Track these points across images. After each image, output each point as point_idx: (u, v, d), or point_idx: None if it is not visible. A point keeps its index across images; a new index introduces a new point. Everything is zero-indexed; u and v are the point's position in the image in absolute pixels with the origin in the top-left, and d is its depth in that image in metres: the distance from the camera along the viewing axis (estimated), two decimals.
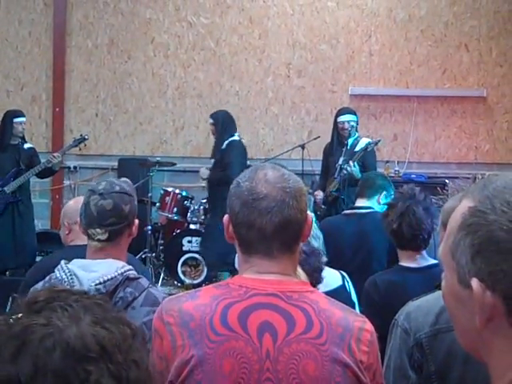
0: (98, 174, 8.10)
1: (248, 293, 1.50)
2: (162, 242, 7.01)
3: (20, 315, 0.93)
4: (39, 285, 2.22)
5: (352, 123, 6.14)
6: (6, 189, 6.30)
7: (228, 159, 6.26)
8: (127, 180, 2.42)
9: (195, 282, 6.64)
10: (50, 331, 0.89)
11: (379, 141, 6.23)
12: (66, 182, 8.08)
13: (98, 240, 2.23)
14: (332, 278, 2.97)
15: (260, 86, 8.04)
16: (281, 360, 1.44)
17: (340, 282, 3.07)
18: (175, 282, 6.79)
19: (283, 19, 8.00)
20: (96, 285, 2.08)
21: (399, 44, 7.91)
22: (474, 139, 7.85)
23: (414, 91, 7.88)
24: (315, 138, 7.26)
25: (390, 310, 2.20)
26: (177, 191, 6.76)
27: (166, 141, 8.12)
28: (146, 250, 6.77)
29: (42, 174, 6.43)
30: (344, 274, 3.15)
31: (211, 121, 6.52)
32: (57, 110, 8.12)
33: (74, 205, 2.99)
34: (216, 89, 8.08)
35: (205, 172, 6.58)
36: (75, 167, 8.11)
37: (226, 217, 1.59)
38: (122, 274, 2.14)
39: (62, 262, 2.20)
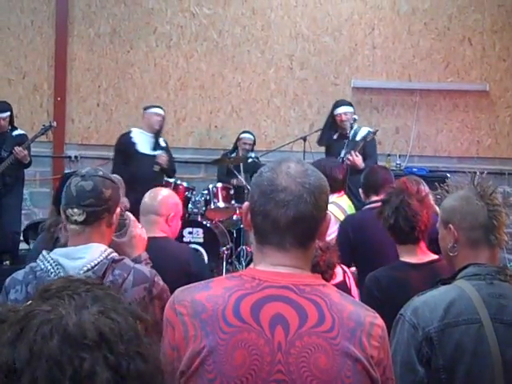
0: (99, 164, 8.08)
1: (261, 285, 1.50)
2: None
3: (29, 302, 0.93)
4: (19, 274, 2.19)
5: (349, 114, 6.20)
6: None
7: None
8: (117, 176, 2.43)
9: None
10: (50, 318, 0.89)
11: (377, 131, 6.28)
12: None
13: (76, 222, 2.18)
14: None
15: (262, 77, 8.02)
16: (292, 353, 1.44)
17: (341, 278, 3.08)
18: None
19: (286, 11, 7.97)
20: (84, 272, 2.06)
21: (402, 37, 7.89)
22: (476, 133, 7.84)
23: (417, 84, 7.86)
24: (317, 131, 7.23)
25: (391, 305, 2.20)
26: (178, 182, 6.74)
27: (167, 132, 8.08)
28: None
29: (19, 166, 6.46)
30: (346, 269, 3.15)
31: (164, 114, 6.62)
32: (58, 99, 8.10)
33: None
34: (218, 80, 8.06)
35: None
36: (76, 157, 8.11)
37: (245, 204, 1.61)
38: (107, 257, 2.14)
39: (44, 251, 2.18)
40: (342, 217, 4.28)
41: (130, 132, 6.48)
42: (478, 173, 2.16)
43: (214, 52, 8.06)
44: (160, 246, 3.03)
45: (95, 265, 2.10)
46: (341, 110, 6.27)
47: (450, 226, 2.06)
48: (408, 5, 7.85)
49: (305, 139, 7.08)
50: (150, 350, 0.94)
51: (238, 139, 7.43)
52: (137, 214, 5.91)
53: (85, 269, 2.08)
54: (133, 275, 2.16)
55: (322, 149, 7.09)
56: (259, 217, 1.54)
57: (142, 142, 6.33)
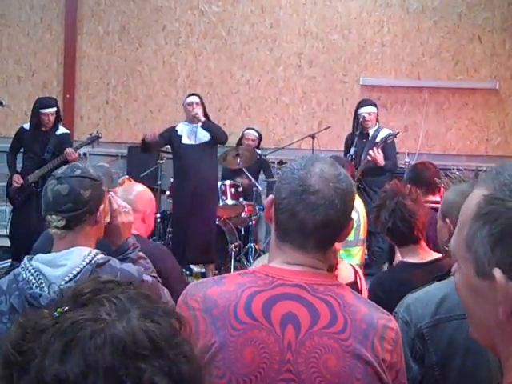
0: (108, 161, 8.09)
1: (274, 282, 1.49)
2: (171, 229, 7.01)
3: (65, 308, 0.90)
4: (3, 282, 2.07)
5: (372, 115, 6.18)
6: (28, 178, 6.29)
7: None
8: (103, 164, 2.34)
9: (203, 270, 6.66)
10: (101, 327, 0.86)
11: (398, 133, 6.25)
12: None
13: (56, 227, 2.09)
14: (345, 272, 2.96)
15: (271, 75, 8.01)
16: (302, 352, 1.43)
17: (352, 278, 3.06)
18: (184, 270, 6.80)
19: (295, 8, 7.96)
20: (66, 282, 1.97)
21: (411, 35, 7.86)
22: (486, 132, 7.81)
23: (426, 82, 7.84)
24: (325, 128, 7.24)
25: (395, 307, 2.19)
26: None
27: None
28: (155, 237, 6.78)
29: (62, 164, 6.40)
30: (357, 269, 3.13)
31: (197, 99, 6.40)
32: (67, 96, 8.13)
33: None
34: (227, 78, 8.06)
35: None
36: (85, 154, 8.11)
37: (270, 196, 1.58)
38: (90, 262, 2.03)
39: (25, 258, 2.07)
40: (354, 215, 4.26)
41: (175, 125, 6.47)
42: (484, 169, 2.16)
43: (223, 50, 8.06)
44: None
45: (77, 273, 1.99)
46: (364, 110, 6.25)
47: (447, 219, 2.07)
48: (417, 3, 7.82)
49: (313, 137, 7.07)
50: (191, 350, 0.93)
51: (242, 136, 7.44)
52: (184, 204, 5.92)
53: (67, 278, 1.98)
54: (120, 277, 2.00)
55: (331, 147, 7.09)
56: (285, 214, 1.51)
57: (185, 133, 6.30)
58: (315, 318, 1.45)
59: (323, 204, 1.48)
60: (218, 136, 6.27)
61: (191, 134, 6.23)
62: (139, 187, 3.25)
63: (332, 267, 2.82)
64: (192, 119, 6.21)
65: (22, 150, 6.54)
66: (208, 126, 6.25)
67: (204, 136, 6.24)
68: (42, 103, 6.32)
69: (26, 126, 6.44)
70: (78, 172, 2.11)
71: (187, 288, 1.56)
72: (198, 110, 6.21)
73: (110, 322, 0.87)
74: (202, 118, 6.21)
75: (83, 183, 2.09)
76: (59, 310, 0.90)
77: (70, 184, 2.07)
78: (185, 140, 6.27)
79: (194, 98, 6.34)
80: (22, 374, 0.86)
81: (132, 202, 3.05)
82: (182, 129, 6.34)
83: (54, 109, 6.33)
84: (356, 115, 6.35)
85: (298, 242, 1.52)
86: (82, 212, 2.08)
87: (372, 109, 6.26)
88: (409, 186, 2.96)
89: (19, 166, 6.53)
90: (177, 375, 0.87)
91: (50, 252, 2.13)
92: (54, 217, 2.07)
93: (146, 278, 2.19)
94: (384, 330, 1.48)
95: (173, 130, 6.40)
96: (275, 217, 1.55)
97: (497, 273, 0.85)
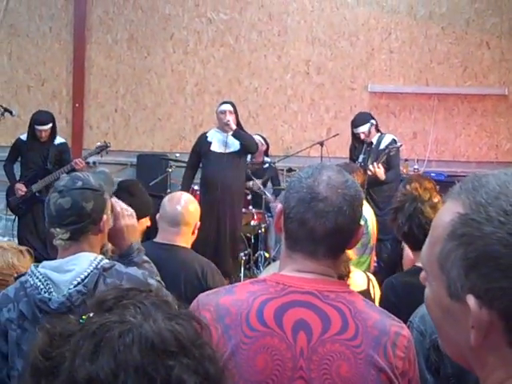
0: (117, 170, 8.14)
1: (285, 290, 1.50)
2: None
3: (91, 314, 0.92)
4: (10, 290, 2.11)
5: (368, 131, 6.11)
6: (32, 187, 6.34)
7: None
8: (104, 170, 2.34)
9: None
10: (128, 327, 0.88)
11: (401, 145, 6.19)
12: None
13: (61, 239, 2.11)
14: (358, 281, 2.96)
15: (279, 82, 8.02)
16: (314, 359, 1.43)
17: (365, 287, 3.05)
18: None
19: (303, 16, 7.97)
20: (75, 286, 2.01)
21: (419, 41, 7.86)
22: (495, 138, 7.79)
23: (434, 89, 7.83)
24: (334, 136, 7.24)
25: (407, 311, 2.18)
26: (195, 187, 6.74)
27: (184, 137, 8.13)
28: None
29: (68, 173, 6.43)
30: (371, 277, 3.12)
31: (231, 107, 6.33)
32: (77, 105, 8.17)
33: None
34: (235, 85, 8.08)
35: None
36: (94, 162, 8.13)
37: (279, 206, 1.59)
38: (96, 266, 2.06)
39: (32, 266, 2.10)
40: (362, 222, 4.26)
41: (207, 132, 6.45)
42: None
43: (231, 57, 8.08)
44: (177, 256, 3.01)
45: (85, 277, 2.03)
46: (360, 130, 6.19)
47: None
48: (425, 9, 7.82)
49: (322, 144, 7.07)
50: (213, 351, 0.94)
51: None
52: (211, 213, 5.94)
53: (75, 282, 2.02)
54: (126, 280, 2.09)
55: (340, 154, 7.09)
56: (295, 223, 1.52)
57: (216, 141, 6.28)
58: (327, 325, 1.46)
59: (332, 211, 1.49)
60: (248, 145, 6.20)
61: (222, 143, 6.20)
62: (187, 198, 3.23)
63: (345, 276, 2.83)
64: (224, 127, 6.19)
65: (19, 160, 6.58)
66: (239, 134, 6.17)
67: (234, 145, 6.21)
68: (37, 119, 6.33)
69: (23, 136, 6.50)
70: (80, 184, 2.12)
71: (198, 299, 1.57)
72: (231, 118, 6.17)
73: (137, 323, 0.89)
74: (234, 127, 6.14)
75: (85, 195, 2.11)
76: (84, 316, 0.92)
77: (72, 197, 2.09)
78: (214, 147, 6.23)
79: (227, 107, 6.27)
80: (51, 379, 0.87)
81: (184, 218, 3.10)
82: (213, 136, 6.30)
83: (50, 125, 6.37)
84: (353, 133, 6.30)
85: (309, 250, 1.52)
86: (85, 224, 2.11)
87: (366, 127, 6.13)
88: (427, 191, 2.94)
89: (17, 175, 6.56)
90: (204, 374, 0.89)
91: None
92: (58, 230, 2.10)
93: (151, 281, 2.20)
94: (396, 337, 1.48)
95: (203, 136, 6.37)
96: (285, 226, 1.56)
97: (470, 300, 0.83)
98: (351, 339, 1.45)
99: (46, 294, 2.01)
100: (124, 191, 3.35)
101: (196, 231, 3.18)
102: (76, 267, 2.05)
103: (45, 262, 2.10)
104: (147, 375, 0.85)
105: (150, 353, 0.86)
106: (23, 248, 2.77)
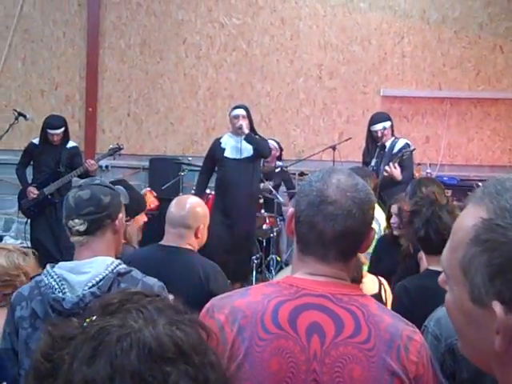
0: (130, 174, 8.17)
1: (299, 292, 1.50)
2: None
3: (94, 317, 0.92)
4: (25, 289, 2.16)
5: (385, 130, 6.11)
6: (45, 190, 6.39)
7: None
8: (120, 187, 2.37)
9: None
10: (127, 332, 0.88)
11: (414, 149, 6.17)
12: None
13: (78, 232, 2.15)
14: (369, 284, 2.95)
15: (291, 87, 8.03)
16: (327, 362, 1.43)
17: (376, 290, 3.04)
18: None
19: (315, 20, 7.98)
20: (89, 288, 2.04)
21: (432, 45, 7.84)
22: (508, 142, 7.75)
23: (447, 93, 7.81)
24: (346, 140, 7.23)
25: (420, 314, 2.16)
26: (207, 191, 6.76)
27: (197, 141, 8.15)
28: None
29: (79, 176, 6.48)
30: (383, 281, 3.10)
31: (244, 112, 6.31)
32: (90, 109, 8.21)
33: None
34: (247, 89, 8.09)
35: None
36: (107, 166, 8.18)
37: (290, 210, 1.59)
38: (112, 270, 2.09)
39: (48, 266, 2.14)
40: (376, 227, 4.26)
41: (221, 137, 6.45)
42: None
43: (243, 62, 8.09)
44: (179, 259, 2.99)
45: (100, 280, 2.06)
46: (377, 126, 6.16)
47: None
48: (438, 13, 7.81)
49: (334, 148, 7.07)
50: (217, 359, 0.94)
51: None
52: (225, 217, 5.94)
53: (89, 284, 2.05)
54: (140, 288, 2.11)
55: (352, 158, 7.07)
56: (305, 227, 1.53)
57: (229, 146, 6.28)
58: (340, 328, 1.45)
59: (341, 214, 1.49)
60: (260, 150, 6.18)
61: (235, 148, 6.20)
62: (192, 200, 3.20)
63: (357, 280, 2.82)
64: (237, 131, 6.19)
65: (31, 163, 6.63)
66: (251, 139, 6.15)
67: (248, 150, 6.20)
68: (49, 123, 6.37)
69: (36, 140, 6.54)
70: (98, 181, 2.27)
71: (212, 302, 1.57)
72: (243, 123, 6.14)
73: (137, 328, 0.88)
74: (246, 131, 6.12)
75: (103, 190, 2.20)
76: (87, 319, 0.92)
77: (91, 190, 2.18)
78: (227, 153, 6.24)
79: (240, 111, 6.25)
80: (51, 381, 0.88)
81: (185, 219, 3.08)
82: (227, 141, 6.30)
83: (62, 129, 6.40)
84: (369, 131, 6.28)
85: (320, 253, 1.52)
86: (102, 216, 2.17)
87: (385, 124, 6.15)
88: (444, 196, 2.93)
89: (29, 179, 6.60)
90: (204, 381, 0.88)
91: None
92: (76, 221, 2.15)
93: (166, 293, 2.18)
94: (408, 341, 1.47)
95: (217, 142, 6.36)
96: (296, 230, 1.56)
97: (496, 306, 0.82)
98: (364, 342, 1.45)
99: (60, 294, 2.04)
100: None
101: (200, 235, 3.12)
102: (92, 270, 2.08)
103: (61, 263, 2.14)
104: (143, 381, 0.85)
105: (147, 358, 0.86)
106: (28, 249, 2.81)
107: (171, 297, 2.13)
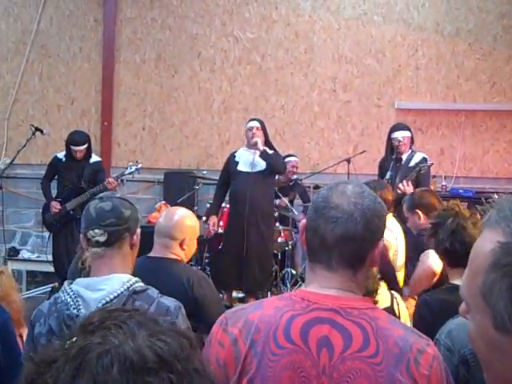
0: (145, 187, 8.21)
1: (310, 306, 1.51)
2: (208, 255, 7.04)
3: (74, 339, 0.93)
4: (45, 306, 2.17)
5: (404, 140, 6.12)
6: (67, 205, 6.44)
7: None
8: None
9: (240, 295, 6.65)
10: (107, 348, 0.89)
11: (431, 164, 6.16)
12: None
13: (97, 243, 2.15)
14: (381, 298, 2.94)
15: (306, 100, 8.05)
16: (335, 377, 1.43)
17: (388, 304, 3.03)
18: (221, 295, 6.81)
19: (329, 33, 8.01)
20: (103, 305, 2.04)
21: (446, 58, 7.83)
22: None
23: (462, 105, 7.78)
24: (361, 153, 7.23)
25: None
26: (222, 205, 6.78)
27: (211, 154, 8.19)
28: (192, 262, 6.81)
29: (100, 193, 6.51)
30: (395, 294, 3.09)
31: (258, 124, 6.36)
32: (105, 123, 8.28)
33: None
34: (261, 103, 8.12)
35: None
36: (122, 180, 8.20)
37: (302, 221, 1.61)
38: (128, 288, 2.10)
39: (66, 283, 2.15)
40: (392, 239, 4.26)
41: (236, 151, 6.50)
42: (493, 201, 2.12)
43: (258, 75, 8.13)
44: (164, 268, 3.00)
45: (114, 297, 2.07)
46: (398, 134, 6.17)
47: None
48: (452, 25, 7.80)
49: (349, 161, 7.07)
50: (202, 364, 0.95)
51: None
52: (238, 230, 5.95)
53: (103, 301, 2.06)
54: (155, 307, 2.12)
55: (367, 171, 7.06)
56: (310, 232, 1.55)
57: (243, 159, 6.32)
58: (348, 342, 1.45)
59: (341, 217, 1.50)
60: (274, 167, 6.22)
61: (248, 162, 6.22)
62: (181, 212, 3.21)
63: (373, 292, 2.81)
64: (251, 145, 6.22)
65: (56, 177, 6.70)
66: (266, 155, 6.19)
67: (261, 164, 6.22)
68: (73, 140, 6.42)
69: (60, 155, 6.59)
70: (118, 195, 2.31)
71: (226, 315, 1.58)
72: (258, 139, 6.17)
73: (117, 343, 0.89)
74: (261, 148, 6.16)
75: (124, 203, 2.23)
76: (69, 341, 0.93)
77: (113, 202, 2.21)
78: (241, 167, 6.27)
79: (254, 123, 6.30)
80: None
81: (170, 230, 3.11)
82: (241, 155, 6.34)
83: (85, 146, 6.44)
84: (389, 139, 6.30)
85: (324, 259, 1.53)
86: (122, 229, 2.18)
87: (406, 133, 6.18)
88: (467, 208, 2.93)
89: (53, 193, 6.67)
90: None
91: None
92: (96, 231, 2.16)
93: (183, 316, 2.21)
94: (419, 354, 1.45)
95: (232, 156, 6.41)
96: (306, 238, 1.58)
97: None
98: (372, 356, 1.44)
99: (75, 311, 2.05)
100: None
101: (187, 247, 3.13)
102: (107, 287, 2.09)
103: (78, 279, 2.15)
104: None
105: (129, 371, 0.86)
106: (2, 268, 2.84)
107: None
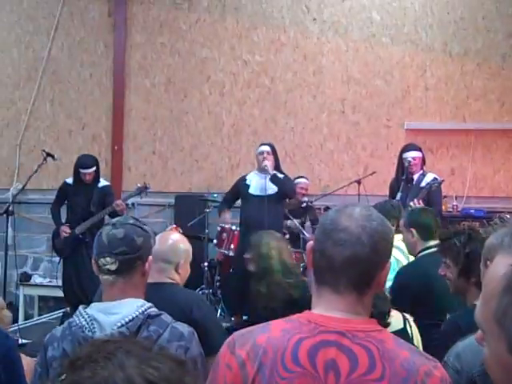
0: (156, 211, 8.24)
1: (317, 329, 1.51)
2: (219, 278, 7.04)
3: (64, 376, 0.93)
4: (58, 330, 2.18)
5: (416, 160, 6.12)
6: (76, 230, 6.46)
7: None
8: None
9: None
10: (97, 381, 0.89)
11: (442, 181, 6.16)
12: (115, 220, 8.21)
13: (108, 271, 2.15)
14: (394, 320, 2.92)
15: (315, 122, 8.07)
16: None
17: (401, 325, 3.01)
18: (232, 319, 6.79)
19: (337, 55, 8.05)
20: (118, 328, 2.05)
21: (455, 78, 7.84)
22: None
23: (472, 125, 7.77)
24: (371, 174, 7.23)
25: None
26: (233, 228, 6.78)
27: (221, 177, 8.21)
28: (203, 286, 6.81)
29: (109, 215, 6.55)
30: (407, 316, 3.08)
31: (269, 148, 6.43)
32: (116, 148, 8.33)
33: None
34: (271, 125, 8.15)
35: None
36: (133, 204, 8.25)
37: (309, 243, 1.62)
38: (143, 312, 2.10)
39: (81, 307, 2.16)
40: (405, 261, 4.24)
41: (246, 174, 6.55)
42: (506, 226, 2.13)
43: (267, 98, 8.17)
44: (163, 292, 2.97)
45: (129, 320, 2.07)
46: (409, 154, 6.18)
47: (488, 262, 2.04)
48: (460, 46, 7.82)
49: (359, 182, 7.07)
50: (194, 382, 0.96)
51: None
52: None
53: (119, 324, 2.06)
54: (169, 332, 2.12)
55: (377, 192, 7.05)
56: (317, 254, 1.56)
57: (254, 183, 6.35)
58: (354, 365, 1.45)
59: (349, 240, 1.51)
60: (284, 191, 6.27)
61: (260, 186, 6.25)
62: (175, 237, 3.21)
63: (385, 314, 2.80)
64: (262, 169, 6.25)
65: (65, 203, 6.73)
66: (276, 179, 6.24)
67: (272, 188, 6.24)
68: (81, 163, 6.44)
69: (69, 180, 6.63)
70: (132, 221, 2.24)
71: (234, 338, 1.58)
72: (268, 163, 6.22)
73: (107, 375, 0.90)
74: (271, 172, 6.22)
75: (137, 230, 2.20)
76: (58, 379, 0.93)
77: (126, 229, 2.18)
78: (252, 190, 6.30)
79: (265, 148, 6.38)
80: None
81: (165, 253, 3.09)
82: (252, 178, 6.37)
83: (93, 168, 6.47)
84: (400, 160, 6.30)
85: (331, 282, 1.53)
86: (134, 257, 2.17)
87: (417, 153, 6.20)
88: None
89: (63, 218, 6.69)
90: None
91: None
92: (107, 259, 2.15)
93: (196, 342, 2.20)
94: (426, 377, 1.45)
95: (242, 179, 6.45)
96: (312, 261, 1.58)
97: None
98: (378, 380, 1.44)
99: (90, 333, 2.06)
100: None
101: (182, 270, 3.10)
102: (122, 310, 2.10)
103: (93, 304, 2.16)
104: None
105: None
106: None
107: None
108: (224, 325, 6.52)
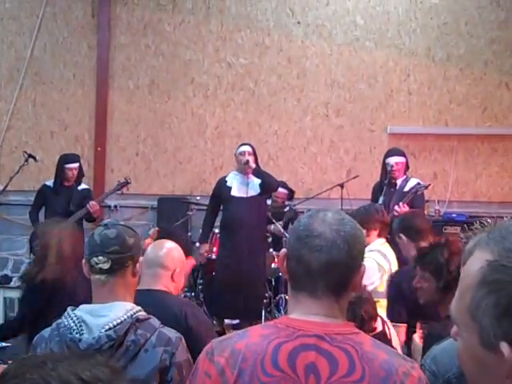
0: (138, 213, 8.20)
1: (295, 333, 1.52)
2: (201, 281, 7.01)
3: None
4: (46, 331, 2.19)
5: (399, 165, 6.15)
6: None
7: None
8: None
9: (234, 322, 6.62)
10: (31, 383, 0.90)
11: (429, 185, 6.19)
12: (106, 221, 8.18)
13: (101, 270, 2.18)
14: None
15: (299, 125, 8.08)
16: None
17: (380, 328, 3.05)
18: (214, 322, 6.77)
19: (321, 59, 8.07)
20: (106, 331, 2.07)
21: (438, 83, 7.90)
22: None
23: (454, 130, 7.83)
24: (354, 177, 7.24)
25: None
26: (216, 231, 6.76)
27: (205, 180, 8.19)
28: (186, 289, 6.77)
29: (87, 219, 6.53)
30: (385, 318, 3.11)
31: (250, 149, 6.44)
32: (99, 149, 8.28)
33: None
34: (255, 128, 8.15)
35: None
36: (115, 206, 8.22)
37: (283, 250, 1.63)
38: (131, 316, 2.13)
39: (69, 308, 2.18)
40: (386, 265, 4.25)
41: (226, 176, 6.51)
42: (505, 218, 2.15)
43: (251, 101, 8.17)
44: (157, 300, 2.93)
45: (117, 324, 2.09)
46: (392, 159, 6.21)
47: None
48: (443, 51, 7.88)
49: (342, 186, 7.08)
50: None
51: None
52: (231, 256, 5.94)
53: (106, 327, 2.08)
54: (156, 337, 2.14)
55: (360, 195, 7.07)
56: (293, 261, 1.56)
57: (236, 185, 6.32)
58: (334, 368, 1.47)
59: (325, 245, 1.52)
60: (268, 183, 6.24)
61: (242, 186, 6.22)
62: (170, 244, 3.19)
63: (372, 318, 2.82)
64: (243, 168, 6.23)
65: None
66: (259, 172, 6.24)
67: (255, 189, 6.22)
68: (66, 158, 6.58)
69: (49, 182, 6.62)
70: (122, 223, 2.34)
71: (212, 345, 1.58)
72: (250, 157, 6.23)
73: (37, 377, 0.90)
74: (253, 165, 6.21)
75: (128, 231, 2.26)
76: None
77: (117, 229, 2.23)
78: (234, 192, 6.26)
79: (246, 148, 6.38)
80: None
81: (161, 259, 3.08)
82: (233, 180, 6.34)
83: (78, 164, 6.50)
84: (384, 164, 6.33)
85: (308, 287, 1.55)
86: (126, 256, 2.21)
87: (400, 159, 6.23)
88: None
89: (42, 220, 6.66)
90: None
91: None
92: (100, 258, 2.18)
93: (183, 347, 2.21)
94: (405, 377, 1.47)
95: (222, 181, 6.41)
96: (287, 267, 1.59)
97: (504, 347, 0.81)
98: (358, 381, 1.46)
99: (78, 335, 2.07)
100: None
101: (177, 279, 3.06)
102: (111, 313, 2.12)
103: (82, 306, 2.18)
104: None
105: None
106: None
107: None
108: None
